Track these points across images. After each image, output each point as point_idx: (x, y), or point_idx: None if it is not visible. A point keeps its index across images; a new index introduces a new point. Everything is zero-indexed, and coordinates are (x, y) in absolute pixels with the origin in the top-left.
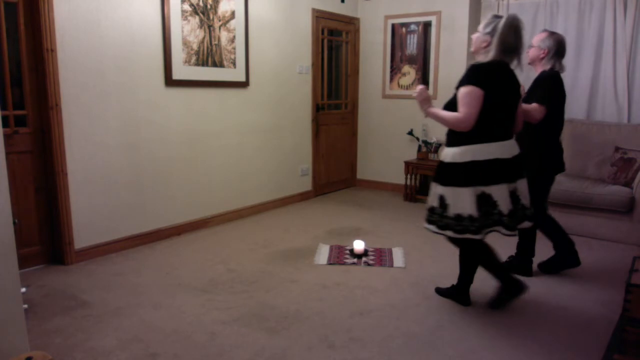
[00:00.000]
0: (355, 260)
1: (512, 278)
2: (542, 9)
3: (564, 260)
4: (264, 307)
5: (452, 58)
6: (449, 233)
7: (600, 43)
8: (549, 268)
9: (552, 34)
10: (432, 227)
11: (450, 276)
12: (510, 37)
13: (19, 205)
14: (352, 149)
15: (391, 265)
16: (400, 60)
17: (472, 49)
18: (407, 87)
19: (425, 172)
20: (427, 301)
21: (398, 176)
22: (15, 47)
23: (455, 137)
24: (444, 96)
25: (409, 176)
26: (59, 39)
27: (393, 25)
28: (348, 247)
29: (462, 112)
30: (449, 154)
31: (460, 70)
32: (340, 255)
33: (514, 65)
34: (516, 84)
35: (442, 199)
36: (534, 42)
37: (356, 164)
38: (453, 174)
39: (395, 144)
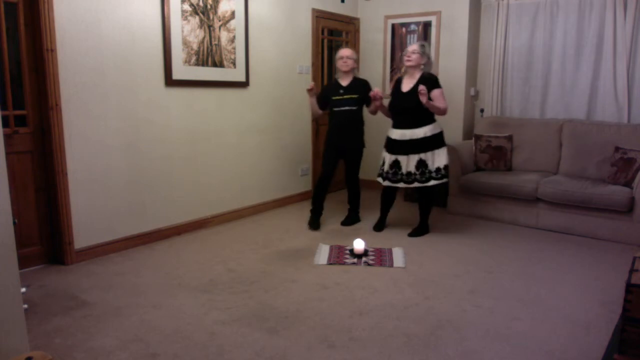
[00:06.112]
0: (355, 260)
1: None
2: (542, 9)
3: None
4: (264, 307)
5: (452, 58)
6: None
7: (600, 43)
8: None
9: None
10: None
11: (450, 276)
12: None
13: (19, 205)
14: None
15: (391, 265)
16: (400, 60)
17: (413, 64)
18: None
19: None
20: (427, 301)
21: None
22: (15, 47)
23: (428, 118)
24: (445, 95)
25: None
26: (59, 39)
27: (393, 25)
28: (348, 247)
29: (446, 104)
30: (430, 129)
31: (461, 69)
32: (340, 255)
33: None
34: None
35: (425, 162)
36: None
37: None
38: (441, 140)
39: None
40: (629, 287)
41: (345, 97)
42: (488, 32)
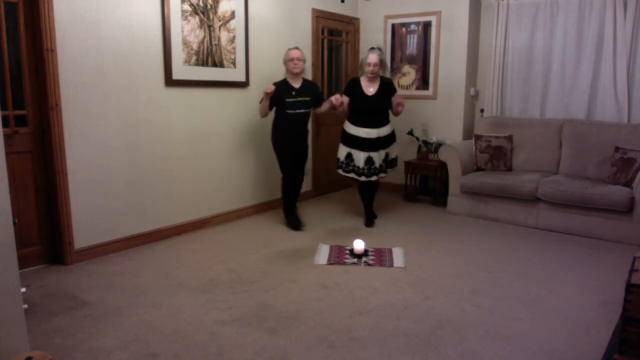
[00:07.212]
0: (355, 260)
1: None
2: (542, 9)
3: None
4: (264, 307)
5: (452, 58)
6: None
7: (600, 43)
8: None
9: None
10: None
11: (450, 276)
12: None
13: (19, 205)
14: None
15: (391, 265)
16: (400, 60)
17: (377, 70)
18: (407, 87)
19: (426, 172)
20: (427, 301)
21: (398, 176)
22: (15, 47)
23: (388, 118)
24: (445, 96)
25: (409, 176)
26: (59, 39)
27: (393, 25)
28: (348, 247)
29: None
30: (390, 126)
31: (461, 69)
32: (340, 255)
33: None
34: None
35: (388, 155)
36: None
37: None
38: (395, 135)
39: (395, 144)
40: (629, 287)
41: (299, 99)
42: (488, 32)
